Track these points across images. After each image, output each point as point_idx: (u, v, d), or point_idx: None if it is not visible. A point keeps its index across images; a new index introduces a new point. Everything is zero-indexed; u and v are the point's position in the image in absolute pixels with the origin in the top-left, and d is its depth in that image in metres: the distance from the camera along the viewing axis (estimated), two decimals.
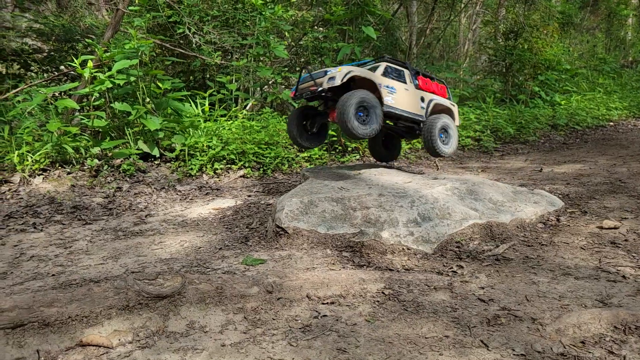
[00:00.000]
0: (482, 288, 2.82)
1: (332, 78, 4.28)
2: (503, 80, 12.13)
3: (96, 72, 6.12)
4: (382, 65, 4.74)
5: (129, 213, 4.95)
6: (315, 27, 11.26)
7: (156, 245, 3.88)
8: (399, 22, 13.94)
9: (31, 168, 5.50)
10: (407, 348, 2.20)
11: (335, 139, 7.65)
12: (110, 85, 6.11)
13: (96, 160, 5.87)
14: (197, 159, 6.43)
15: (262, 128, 7.50)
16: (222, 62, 8.56)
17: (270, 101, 9.17)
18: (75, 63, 6.06)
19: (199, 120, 7.09)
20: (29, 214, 4.73)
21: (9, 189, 5.21)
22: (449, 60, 14.71)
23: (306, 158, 7.12)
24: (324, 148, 7.48)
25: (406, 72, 4.92)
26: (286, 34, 10.12)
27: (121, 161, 6.06)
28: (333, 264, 3.23)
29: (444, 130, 5.07)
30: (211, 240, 3.98)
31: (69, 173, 5.69)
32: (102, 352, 2.21)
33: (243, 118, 7.77)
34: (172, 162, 6.46)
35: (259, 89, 9.42)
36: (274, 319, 2.51)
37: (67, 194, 5.27)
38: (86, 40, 8.27)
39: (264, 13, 8.64)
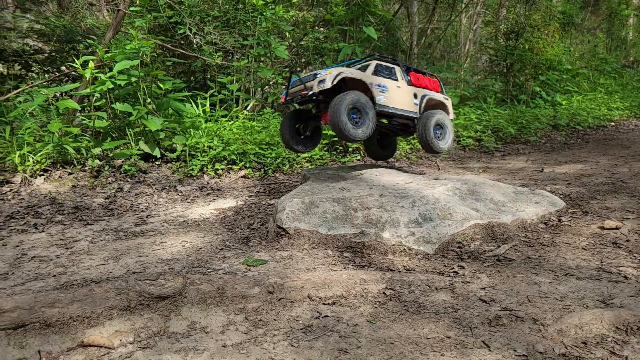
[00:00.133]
0: (484, 288, 2.82)
1: (322, 81, 4.22)
2: (504, 80, 12.12)
3: (97, 72, 6.13)
4: (373, 64, 4.67)
5: (130, 213, 4.95)
6: (316, 28, 11.26)
7: (157, 245, 3.88)
8: (400, 23, 13.94)
9: (32, 168, 5.51)
10: (409, 349, 2.19)
11: (336, 139, 7.65)
12: (111, 86, 6.12)
13: (97, 161, 5.87)
14: (198, 160, 6.43)
15: (263, 128, 7.50)
16: (223, 62, 8.57)
17: (271, 101, 9.18)
18: (76, 64, 6.07)
19: (200, 121, 7.10)
20: (30, 215, 4.74)
21: (10, 190, 5.22)
22: (450, 60, 14.70)
23: (307, 158, 7.12)
24: (325, 148, 7.48)
25: (397, 69, 4.84)
26: (287, 34, 10.13)
27: (122, 162, 6.06)
28: (334, 264, 3.23)
29: (439, 125, 5.00)
30: (212, 240, 3.98)
31: (70, 173, 5.70)
32: (103, 352, 2.21)
33: (244, 118, 7.78)
34: (173, 163, 6.46)
35: (259, 89, 9.43)
36: (275, 320, 2.51)
37: (68, 195, 5.28)
38: (87, 40, 8.29)
39: (264, 13, 8.65)
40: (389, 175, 4.73)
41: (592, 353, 2.09)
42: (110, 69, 6.26)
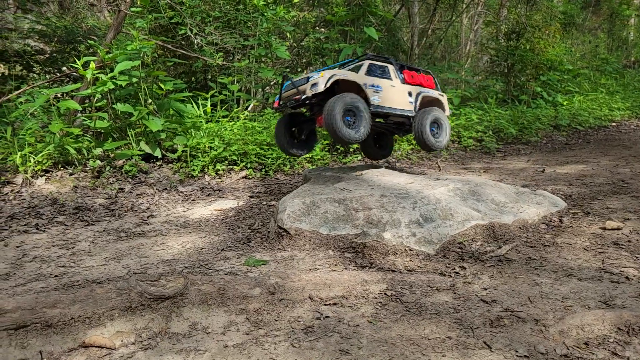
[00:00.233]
0: (485, 289, 2.81)
1: (315, 84, 4.18)
2: (505, 80, 12.11)
3: (98, 73, 6.14)
4: (365, 64, 4.62)
5: (131, 214, 4.95)
6: (317, 28, 11.26)
7: (158, 246, 3.88)
8: (401, 23, 13.95)
9: (34, 169, 5.52)
10: (410, 349, 2.19)
11: None
12: (112, 87, 6.12)
13: (98, 162, 5.88)
14: (199, 160, 6.44)
15: (263, 129, 7.50)
16: (224, 63, 8.58)
17: (272, 102, 9.17)
18: (77, 64, 6.07)
19: (201, 121, 7.10)
20: (31, 215, 4.74)
21: (12, 190, 5.23)
22: (451, 60, 14.70)
23: (308, 159, 7.12)
24: (326, 149, 7.48)
25: (390, 68, 4.79)
26: (288, 34, 10.13)
27: (123, 162, 6.07)
28: (335, 265, 3.23)
29: (435, 123, 4.94)
30: (213, 241, 3.98)
31: (71, 174, 5.70)
32: (104, 353, 2.21)
33: (245, 119, 7.78)
34: (174, 163, 6.46)
35: (260, 89, 9.44)
36: (276, 320, 2.51)
37: (70, 195, 5.28)
38: (88, 41, 8.29)
39: (265, 14, 8.65)
40: (390, 176, 4.73)
41: (593, 354, 2.08)
42: (112, 70, 6.26)
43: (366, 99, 4.40)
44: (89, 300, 2.42)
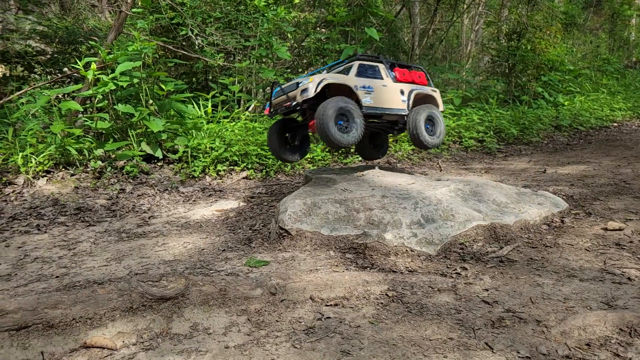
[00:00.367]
0: (486, 290, 2.81)
1: (305, 90, 4.12)
2: (506, 81, 12.10)
3: (99, 74, 6.15)
4: (355, 65, 4.55)
5: (132, 215, 4.95)
6: (318, 29, 11.27)
7: (159, 247, 3.88)
8: (402, 24, 13.95)
9: (35, 170, 5.52)
10: (411, 350, 2.19)
11: None
12: (113, 87, 6.13)
13: (99, 162, 5.89)
14: (200, 161, 6.44)
15: (264, 129, 7.50)
16: (225, 63, 8.58)
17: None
18: (78, 65, 6.08)
19: (202, 122, 7.10)
20: (32, 216, 4.75)
21: (13, 191, 5.23)
22: (452, 61, 14.69)
23: (309, 159, 7.12)
24: (327, 149, 7.48)
25: (381, 67, 4.72)
26: (289, 35, 10.14)
27: (124, 163, 6.07)
28: (336, 265, 3.23)
29: (430, 120, 4.86)
30: (214, 242, 3.98)
31: (72, 175, 5.71)
32: (106, 354, 2.21)
33: (246, 119, 7.78)
34: (175, 164, 6.47)
35: (261, 90, 9.44)
36: (277, 321, 2.51)
37: (71, 196, 5.29)
38: (89, 42, 8.31)
39: (266, 14, 8.65)
40: (391, 177, 4.73)
41: (595, 355, 2.08)
42: (113, 71, 6.27)
43: (358, 101, 4.33)
44: (91, 300, 2.42)
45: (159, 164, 6.47)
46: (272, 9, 8.94)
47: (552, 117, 10.56)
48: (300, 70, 10.49)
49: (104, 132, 6.39)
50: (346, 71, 4.57)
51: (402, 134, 6.80)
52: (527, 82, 11.89)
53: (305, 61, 10.61)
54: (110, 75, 6.14)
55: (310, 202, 3.81)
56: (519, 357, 2.09)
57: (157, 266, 3.31)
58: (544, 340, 2.21)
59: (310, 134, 5.01)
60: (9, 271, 3.34)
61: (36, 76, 8.92)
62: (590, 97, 12.77)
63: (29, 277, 3.18)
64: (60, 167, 5.78)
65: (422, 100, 5.05)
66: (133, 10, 7.20)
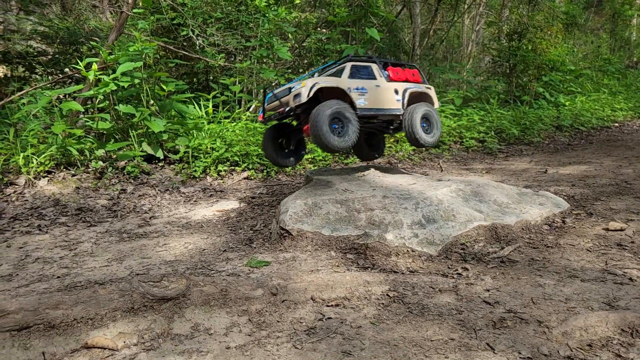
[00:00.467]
0: (488, 290, 2.81)
1: (297, 95, 4.07)
2: (507, 81, 12.09)
3: (100, 74, 6.15)
4: (348, 67, 4.50)
5: (133, 215, 4.96)
6: (319, 29, 11.27)
7: (160, 247, 3.88)
8: (402, 24, 13.95)
9: (36, 170, 5.53)
10: (413, 351, 2.19)
11: None
12: (114, 88, 6.13)
13: (100, 162, 5.89)
14: (201, 161, 6.44)
15: (265, 129, 7.50)
16: (226, 64, 8.59)
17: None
18: (79, 65, 6.09)
19: (203, 122, 7.11)
20: (34, 216, 4.75)
21: (14, 191, 5.24)
22: (453, 61, 14.68)
23: (310, 160, 7.12)
24: None
25: (374, 67, 4.66)
26: (289, 35, 10.14)
27: (125, 163, 6.08)
28: (337, 266, 3.23)
29: (425, 118, 4.80)
30: (215, 242, 3.98)
31: (73, 175, 5.71)
32: (107, 354, 2.21)
33: (246, 120, 7.79)
34: (176, 164, 6.47)
35: (262, 90, 9.43)
36: (278, 322, 2.51)
37: (72, 196, 5.29)
38: (90, 42, 8.31)
39: (267, 15, 8.66)
40: (392, 177, 4.73)
41: (597, 355, 2.07)
42: (114, 71, 6.28)
43: (352, 104, 4.29)
44: (92, 301, 2.42)
45: (160, 164, 6.47)
46: (273, 9, 8.94)
47: (553, 117, 10.55)
48: (301, 70, 10.50)
49: (105, 132, 6.39)
50: (339, 73, 4.52)
51: (402, 134, 6.78)
52: (528, 82, 11.88)
53: (306, 61, 10.61)
54: (112, 76, 6.14)
55: (311, 202, 3.81)
56: (520, 357, 2.09)
57: (158, 266, 3.32)
58: (546, 341, 2.21)
59: (305, 138, 5.01)
60: (11, 271, 3.34)
61: (37, 77, 8.92)
62: (591, 97, 12.76)
63: (30, 278, 3.19)
64: (62, 168, 5.79)
65: (417, 98, 4.99)
66: (134, 10, 7.21)
